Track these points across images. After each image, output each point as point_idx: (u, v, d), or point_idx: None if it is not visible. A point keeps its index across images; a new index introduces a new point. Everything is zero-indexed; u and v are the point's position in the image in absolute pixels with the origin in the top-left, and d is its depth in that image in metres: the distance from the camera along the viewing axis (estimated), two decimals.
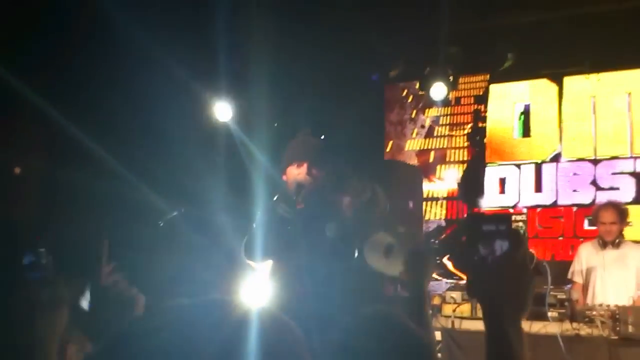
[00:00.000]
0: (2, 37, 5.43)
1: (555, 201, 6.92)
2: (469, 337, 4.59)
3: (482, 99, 7.48)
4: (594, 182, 6.76)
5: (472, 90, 7.58)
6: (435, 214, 7.49)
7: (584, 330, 4.25)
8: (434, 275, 6.97)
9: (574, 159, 6.91)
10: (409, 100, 7.93)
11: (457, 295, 4.88)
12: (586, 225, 6.69)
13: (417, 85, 7.51)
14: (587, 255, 5.19)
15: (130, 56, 6.13)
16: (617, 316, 4.17)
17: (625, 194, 6.54)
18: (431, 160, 7.65)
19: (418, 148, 7.79)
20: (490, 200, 7.20)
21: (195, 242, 5.65)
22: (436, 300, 5.02)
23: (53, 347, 1.40)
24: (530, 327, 4.21)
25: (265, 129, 6.73)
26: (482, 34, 6.97)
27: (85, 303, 1.34)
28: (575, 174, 6.87)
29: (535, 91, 7.19)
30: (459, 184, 7.46)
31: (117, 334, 0.72)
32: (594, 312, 4.27)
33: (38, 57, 5.87)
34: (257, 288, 3.57)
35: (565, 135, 6.98)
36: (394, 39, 7.04)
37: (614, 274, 4.95)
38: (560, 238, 6.83)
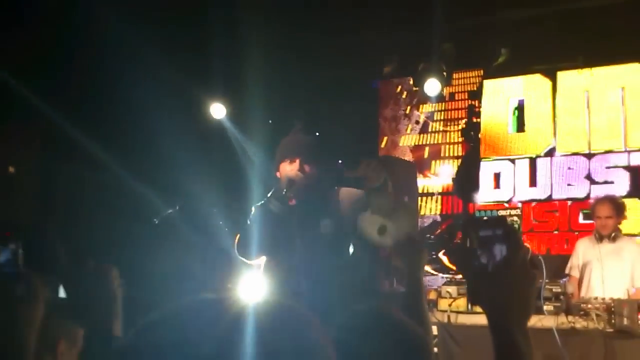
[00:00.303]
0: None
1: (550, 195, 6.94)
2: (465, 332, 4.60)
3: (476, 94, 7.48)
4: (588, 176, 6.78)
5: (466, 86, 7.59)
6: (430, 209, 7.50)
7: (580, 323, 4.26)
8: (430, 270, 6.99)
9: (568, 153, 6.93)
10: (404, 96, 7.93)
11: (452, 289, 4.88)
12: (581, 219, 6.72)
13: (411, 81, 7.52)
14: (584, 249, 5.21)
15: (125, 56, 6.12)
16: (613, 309, 4.18)
17: (620, 187, 6.56)
18: (426, 155, 7.66)
19: (412, 144, 7.80)
20: (485, 195, 7.22)
21: (190, 239, 5.65)
22: (432, 295, 5.03)
23: (30, 341, 1.39)
24: None
25: (260, 127, 6.73)
26: (475, 29, 6.98)
27: (62, 292, 1.34)
28: (569, 168, 6.89)
29: (529, 86, 7.20)
30: (453, 179, 7.48)
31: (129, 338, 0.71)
32: (590, 305, 4.29)
33: (34, 56, 5.86)
34: (252, 284, 3.57)
35: (559, 130, 7.00)
36: (389, 35, 7.04)
37: (610, 268, 4.97)
38: (555, 232, 6.85)
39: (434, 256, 7.14)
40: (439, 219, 7.46)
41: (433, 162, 7.63)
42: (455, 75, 7.29)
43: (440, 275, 6.88)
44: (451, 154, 7.58)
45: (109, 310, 1.30)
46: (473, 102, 7.51)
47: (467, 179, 7.34)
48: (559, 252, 6.60)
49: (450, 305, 4.79)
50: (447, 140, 7.61)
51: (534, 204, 7.00)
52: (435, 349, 4.62)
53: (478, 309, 4.64)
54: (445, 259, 7.07)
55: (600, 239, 5.06)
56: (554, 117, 7.04)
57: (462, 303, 4.77)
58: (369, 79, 7.96)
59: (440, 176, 7.56)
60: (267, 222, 3.14)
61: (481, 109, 7.42)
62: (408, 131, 7.84)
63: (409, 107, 7.88)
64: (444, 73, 6.83)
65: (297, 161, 3.26)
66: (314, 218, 3.21)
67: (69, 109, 5.65)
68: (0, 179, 6.30)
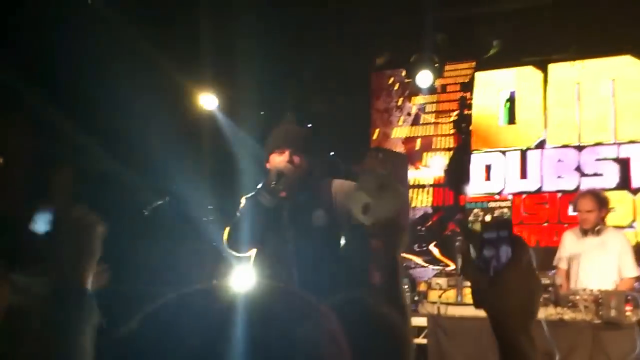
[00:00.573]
0: None
1: (540, 187, 6.97)
2: (455, 323, 4.63)
3: (468, 86, 7.50)
4: (578, 169, 6.81)
5: (457, 78, 7.60)
6: (421, 201, 7.52)
7: (568, 314, 4.30)
8: (421, 262, 7.02)
9: (559, 145, 6.96)
10: (396, 88, 7.93)
11: (442, 281, 4.91)
12: (570, 212, 6.74)
13: (404, 73, 7.52)
14: (569, 243, 5.24)
15: (114, 47, 6.09)
16: (600, 301, 4.21)
17: (609, 179, 6.60)
18: (417, 147, 7.68)
19: (404, 135, 7.80)
20: (476, 187, 7.24)
21: (180, 230, 5.65)
22: (422, 287, 5.06)
23: None
24: None
25: (252, 118, 6.71)
26: (467, 21, 6.99)
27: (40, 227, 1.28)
28: (559, 160, 6.92)
29: (520, 78, 7.22)
30: (445, 171, 7.50)
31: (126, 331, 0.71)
32: (578, 297, 4.32)
33: (20, 47, 5.82)
34: (243, 277, 3.57)
35: (550, 122, 7.03)
36: (380, 27, 7.03)
37: (595, 261, 4.99)
38: (545, 224, 6.89)
39: (425, 248, 7.20)
40: (430, 210, 7.48)
41: (424, 153, 7.65)
42: (447, 67, 7.30)
43: (431, 267, 6.92)
44: (443, 146, 7.59)
45: (81, 263, 1.24)
46: (464, 94, 7.52)
47: (458, 171, 7.36)
48: (548, 244, 6.63)
49: (440, 296, 4.81)
50: (439, 132, 7.63)
51: (524, 196, 7.04)
52: (425, 340, 4.66)
53: (467, 300, 4.70)
54: (436, 251, 7.13)
55: (584, 232, 5.08)
56: (544, 109, 7.06)
57: (451, 295, 4.80)
58: (361, 71, 7.95)
59: (431, 168, 7.57)
60: (256, 214, 3.11)
61: (473, 101, 7.44)
62: (400, 123, 7.85)
63: (401, 99, 7.89)
64: (436, 65, 6.84)
65: (287, 152, 3.22)
66: (305, 210, 3.20)
67: (56, 99, 5.62)
68: None
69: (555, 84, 7.04)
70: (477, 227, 1.23)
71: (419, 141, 7.72)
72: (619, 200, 6.49)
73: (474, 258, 1.18)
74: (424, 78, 6.83)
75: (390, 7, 6.70)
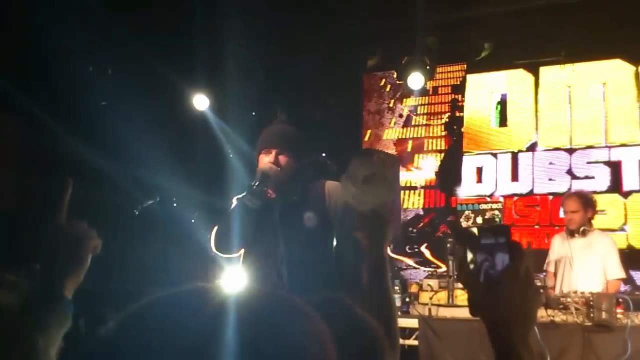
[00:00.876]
0: None
1: (532, 190, 6.98)
2: (446, 325, 4.62)
3: (460, 88, 7.50)
4: (569, 171, 6.83)
5: (449, 80, 7.60)
6: (413, 202, 7.52)
7: (559, 316, 4.30)
8: (412, 264, 7.02)
9: (550, 148, 6.97)
10: (387, 89, 7.93)
11: (434, 283, 4.91)
12: (562, 214, 6.76)
13: (395, 75, 7.51)
14: (557, 245, 5.27)
15: (107, 47, 6.06)
16: (591, 303, 4.22)
17: (600, 182, 6.62)
18: (409, 149, 7.67)
19: (396, 137, 7.80)
20: (468, 189, 7.25)
21: (171, 230, 5.62)
22: (413, 288, 5.05)
23: None
24: None
25: (243, 118, 6.69)
26: (459, 23, 6.99)
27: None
28: (551, 163, 6.93)
29: (511, 81, 7.24)
30: (436, 173, 7.50)
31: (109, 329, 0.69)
32: (569, 299, 4.32)
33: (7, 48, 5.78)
34: (233, 278, 3.54)
35: (541, 125, 7.04)
36: (372, 29, 7.03)
37: (581, 262, 5.01)
38: (536, 227, 6.89)
39: (416, 249, 7.19)
40: (421, 212, 7.47)
41: (416, 155, 7.64)
42: (438, 69, 7.29)
43: (422, 268, 6.92)
44: (434, 148, 7.59)
45: (66, 272, 1.24)
46: (456, 96, 7.53)
47: (450, 173, 7.36)
48: (539, 246, 6.64)
49: (431, 298, 4.81)
50: (430, 134, 7.63)
51: (515, 198, 7.05)
52: (416, 342, 4.65)
53: (459, 302, 4.68)
54: (427, 253, 7.13)
55: (571, 234, 5.10)
56: (536, 111, 7.08)
57: (443, 296, 4.79)
58: (352, 72, 7.94)
59: (423, 170, 7.57)
60: (244, 215, 3.06)
61: (464, 103, 7.45)
62: (391, 125, 7.84)
63: (392, 101, 7.88)
64: (428, 67, 6.82)
65: (273, 152, 3.19)
66: (295, 211, 3.17)
67: (46, 98, 5.58)
68: None
69: (546, 87, 7.06)
70: (475, 231, 1.19)
71: (410, 143, 7.71)
72: (610, 204, 6.51)
73: (470, 265, 1.15)
74: (416, 80, 6.82)
75: (381, 9, 6.70)
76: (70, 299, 1.22)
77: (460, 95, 7.49)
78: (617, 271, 5.03)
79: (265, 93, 7.28)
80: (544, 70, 7.07)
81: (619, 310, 4.28)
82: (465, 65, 7.47)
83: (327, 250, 3.13)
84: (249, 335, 0.65)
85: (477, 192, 7.21)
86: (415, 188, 7.56)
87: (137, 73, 6.35)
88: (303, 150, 3.30)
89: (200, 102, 7.08)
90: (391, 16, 6.77)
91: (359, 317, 1.12)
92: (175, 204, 5.65)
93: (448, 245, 5.24)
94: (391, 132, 7.83)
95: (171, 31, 6.59)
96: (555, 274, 5.20)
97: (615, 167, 6.63)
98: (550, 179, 6.91)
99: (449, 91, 7.59)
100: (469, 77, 7.44)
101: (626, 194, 6.54)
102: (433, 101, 7.68)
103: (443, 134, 7.55)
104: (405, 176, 7.50)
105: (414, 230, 7.38)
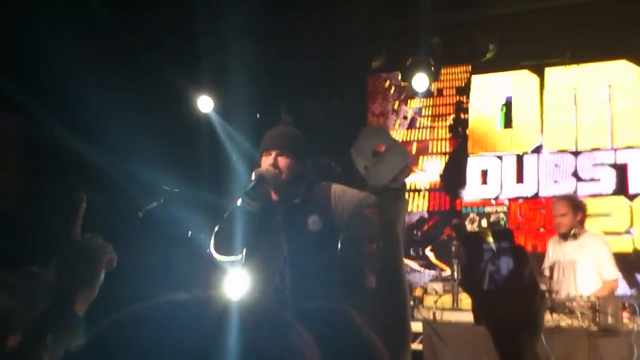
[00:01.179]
0: None
1: (537, 193, 6.94)
2: (450, 329, 4.59)
3: (464, 90, 7.47)
4: (575, 174, 6.78)
5: (454, 82, 7.57)
6: (417, 205, 7.48)
7: (564, 321, 4.27)
8: (416, 266, 6.98)
9: (555, 150, 6.93)
10: (392, 91, 7.90)
11: (438, 286, 4.88)
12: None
13: (400, 77, 7.49)
14: (552, 249, 5.28)
15: (110, 49, 6.05)
16: (597, 307, 4.19)
17: (606, 185, 6.57)
18: (413, 151, 7.64)
19: (400, 139, 7.77)
20: (473, 192, 7.21)
21: (174, 233, 5.60)
22: (418, 292, 5.03)
23: None
24: None
25: (247, 120, 6.68)
26: (463, 25, 6.96)
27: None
28: (556, 165, 6.89)
29: (516, 82, 7.20)
30: (441, 176, 7.46)
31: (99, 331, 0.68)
32: (574, 304, 4.29)
33: (20, 51, 5.79)
34: (235, 281, 3.51)
35: (546, 127, 7.00)
36: (377, 30, 7.00)
37: (574, 265, 5.00)
38: (542, 230, 6.85)
39: (421, 252, 7.14)
40: (426, 215, 7.44)
41: (421, 157, 7.61)
42: (443, 71, 7.27)
43: (427, 271, 6.89)
44: (439, 150, 7.56)
45: (78, 289, 1.23)
46: (461, 98, 7.49)
47: (454, 175, 7.33)
48: (544, 249, 6.58)
49: (435, 302, 4.78)
50: (435, 136, 7.59)
51: (520, 201, 7.01)
52: (420, 346, 4.62)
53: (463, 305, 4.65)
54: (431, 256, 7.10)
55: (563, 237, 5.12)
56: (541, 113, 7.04)
57: (447, 300, 4.77)
58: (357, 74, 7.91)
59: (427, 172, 7.54)
60: (241, 219, 3.02)
61: (469, 105, 7.41)
62: (396, 127, 7.81)
63: (397, 103, 7.85)
64: (432, 68, 6.81)
65: (273, 154, 3.13)
66: (299, 214, 3.14)
67: (50, 103, 5.57)
68: None
69: (551, 89, 7.02)
70: (483, 234, 1.15)
71: (415, 145, 7.68)
72: (616, 206, 6.47)
73: (473, 270, 1.12)
74: (420, 81, 6.80)
75: (386, 10, 6.68)
76: (82, 316, 1.20)
77: (465, 97, 7.45)
78: (612, 271, 5.02)
79: (270, 95, 7.26)
80: (549, 72, 7.03)
81: (625, 314, 4.25)
82: (470, 67, 7.43)
83: (331, 255, 3.09)
84: (232, 353, 0.64)
85: (482, 195, 7.17)
86: (419, 190, 7.52)
87: (141, 75, 6.34)
88: (305, 152, 3.24)
89: (205, 104, 7.07)
90: (396, 17, 6.75)
91: (361, 332, 1.09)
92: (178, 207, 5.63)
93: (453, 248, 5.21)
94: (396, 134, 7.80)
95: (175, 34, 6.59)
96: (551, 278, 5.19)
97: (621, 170, 6.59)
98: (555, 182, 6.87)
99: (454, 93, 7.56)
100: (474, 78, 7.40)
101: (632, 197, 6.49)
102: (438, 103, 7.65)
103: (448, 136, 7.51)
104: (410, 179, 7.45)
105: (419, 233, 7.35)
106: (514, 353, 1.10)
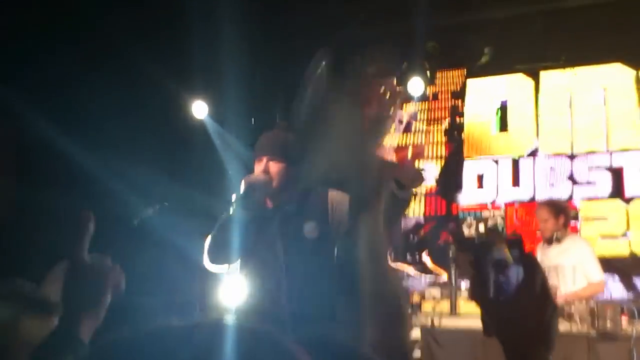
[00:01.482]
0: None
1: (533, 196, 6.93)
2: (448, 335, 4.57)
3: (460, 94, 7.46)
4: (571, 177, 6.78)
5: (449, 86, 7.56)
6: (413, 210, 7.46)
7: (563, 326, 4.25)
8: (412, 271, 6.95)
9: (551, 153, 6.92)
10: (387, 96, 7.87)
11: (436, 292, 4.85)
12: None
13: (395, 81, 7.47)
14: (538, 255, 5.27)
15: (105, 56, 6.02)
16: (596, 312, 4.17)
17: (602, 188, 6.57)
18: (409, 156, 7.60)
19: (396, 144, 7.74)
20: (469, 196, 7.19)
21: (169, 240, 5.56)
22: (416, 298, 5.00)
23: None
24: None
25: (242, 126, 6.65)
26: (458, 29, 6.96)
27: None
28: (552, 168, 6.88)
29: (512, 86, 7.19)
30: (437, 180, 7.44)
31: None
32: (573, 308, 4.27)
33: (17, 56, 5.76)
34: (231, 289, 3.47)
35: (542, 130, 7.00)
36: (371, 34, 6.99)
37: (557, 270, 4.99)
38: (538, 233, 6.83)
39: (417, 257, 7.12)
40: (422, 220, 7.41)
41: (416, 162, 7.57)
42: (438, 75, 7.27)
43: (423, 276, 6.85)
44: (434, 154, 7.54)
45: (82, 314, 1.19)
46: (456, 102, 7.48)
47: (450, 180, 7.31)
48: None
49: (433, 308, 4.75)
50: (431, 140, 7.58)
51: (516, 204, 6.99)
52: (418, 353, 4.59)
53: (461, 311, 4.62)
54: (428, 260, 7.07)
55: (548, 242, 5.13)
56: (537, 117, 7.03)
57: (445, 306, 4.74)
58: (352, 77, 7.89)
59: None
60: (234, 227, 2.95)
61: (464, 109, 7.40)
62: (392, 131, 7.79)
63: (392, 107, 7.83)
64: (428, 72, 6.80)
65: (264, 160, 3.06)
66: (295, 221, 3.10)
67: (45, 108, 5.53)
68: None
69: (547, 92, 7.01)
70: (493, 242, 1.11)
71: (410, 149, 7.64)
72: (612, 210, 6.46)
73: (483, 280, 1.08)
74: (415, 85, 6.79)
75: (381, 14, 6.67)
76: (87, 342, 1.16)
77: (460, 101, 7.44)
78: (597, 274, 5.01)
79: (265, 100, 7.24)
80: (544, 75, 7.03)
81: (624, 318, 4.23)
82: (465, 71, 7.42)
83: (328, 262, 3.06)
84: None
85: (479, 199, 7.15)
86: (415, 195, 7.50)
87: (135, 80, 6.31)
88: (298, 156, 3.18)
89: (199, 109, 7.04)
90: (390, 21, 6.74)
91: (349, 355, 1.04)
92: (174, 214, 5.59)
93: (450, 253, 5.19)
94: (391, 139, 7.78)
95: (170, 38, 6.56)
96: None
97: (617, 173, 6.58)
98: (551, 185, 6.86)
99: (449, 97, 7.55)
100: (469, 82, 7.39)
101: (628, 200, 6.49)
102: (433, 107, 7.64)
103: (443, 140, 7.50)
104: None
105: (415, 238, 7.32)
106: None
